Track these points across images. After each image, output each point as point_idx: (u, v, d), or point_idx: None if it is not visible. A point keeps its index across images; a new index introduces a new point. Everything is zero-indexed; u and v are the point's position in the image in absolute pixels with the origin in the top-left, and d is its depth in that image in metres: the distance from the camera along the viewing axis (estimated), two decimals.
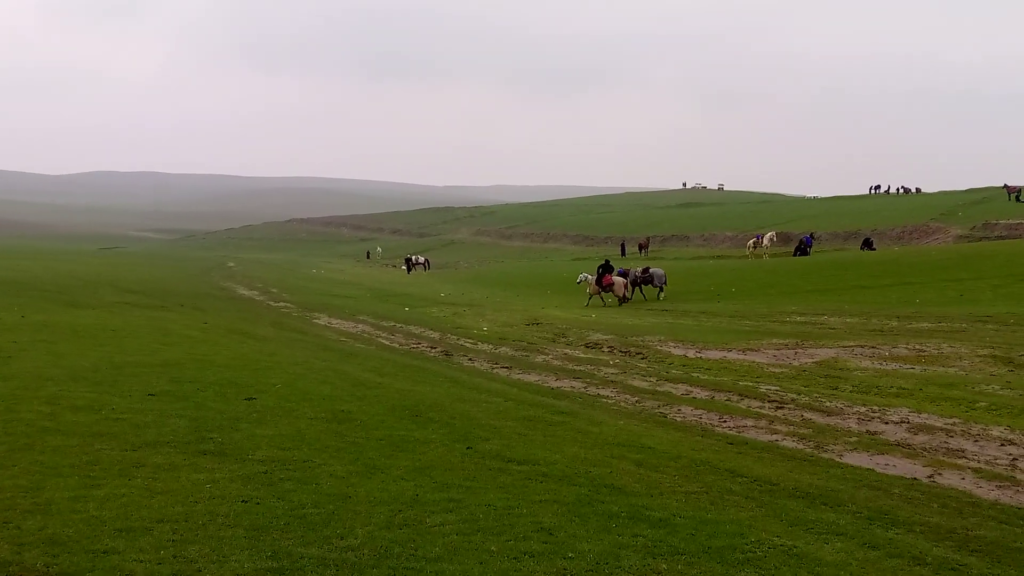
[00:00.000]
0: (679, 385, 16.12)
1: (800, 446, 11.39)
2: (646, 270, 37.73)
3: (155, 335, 18.27)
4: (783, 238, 59.51)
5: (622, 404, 14.44)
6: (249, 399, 11.37)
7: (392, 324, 28.01)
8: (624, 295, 35.12)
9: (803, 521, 7.58)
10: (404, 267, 67.32)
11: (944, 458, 10.78)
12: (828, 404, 14.08)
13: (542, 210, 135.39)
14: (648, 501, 7.80)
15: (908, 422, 12.71)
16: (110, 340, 16.81)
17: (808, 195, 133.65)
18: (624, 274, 36.53)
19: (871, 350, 19.39)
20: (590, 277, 36.04)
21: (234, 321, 25.33)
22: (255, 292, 43.06)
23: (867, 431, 12.24)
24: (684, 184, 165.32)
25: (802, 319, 26.93)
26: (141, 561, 5.75)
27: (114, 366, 13.41)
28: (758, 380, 16.36)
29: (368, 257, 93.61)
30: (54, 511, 6.64)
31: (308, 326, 27.12)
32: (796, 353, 19.47)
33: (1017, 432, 11.91)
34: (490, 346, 22.50)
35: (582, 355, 20.53)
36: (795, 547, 6.72)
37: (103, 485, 7.34)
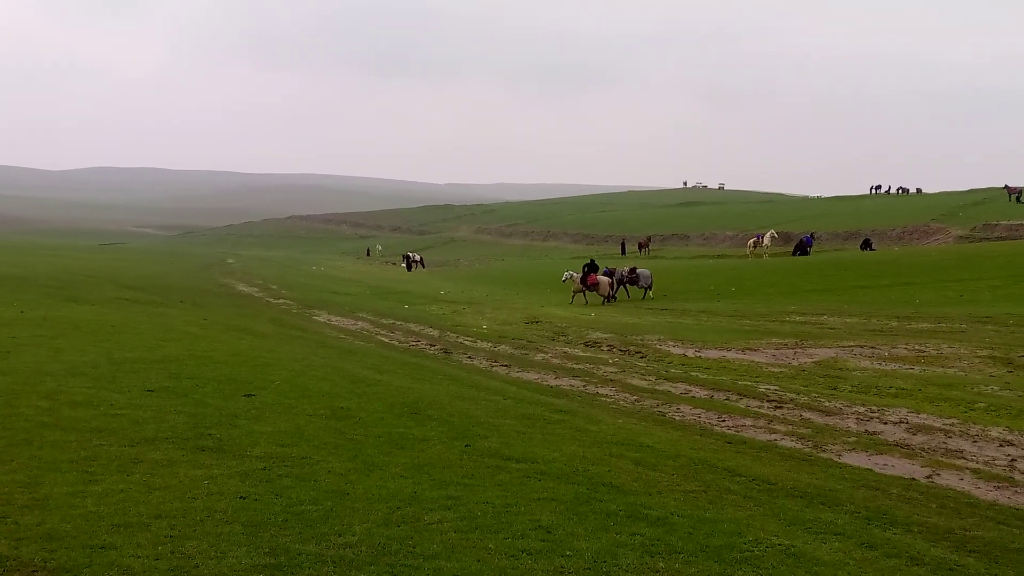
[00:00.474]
0: (678, 384, 16.13)
1: (799, 446, 11.40)
2: (633, 270, 38.04)
3: (154, 331, 18.26)
4: (783, 238, 59.50)
5: (621, 403, 14.44)
6: (248, 396, 11.36)
7: (391, 322, 28.01)
8: (610, 294, 35.55)
9: (801, 520, 7.58)
10: (403, 264, 67.32)
11: (942, 458, 10.79)
12: (827, 404, 14.08)
13: (543, 208, 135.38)
14: (646, 500, 7.80)
15: (907, 422, 12.72)
16: (109, 336, 16.80)
17: (811, 195, 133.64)
18: (610, 273, 36.93)
19: (870, 350, 19.40)
20: (575, 275, 36.51)
21: (233, 318, 25.33)
22: (255, 289, 43.04)
23: (866, 431, 12.25)
24: (685, 183, 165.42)
25: (801, 319, 26.93)
26: (139, 557, 5.74)
27: (113, 362, 13.40)
28: (757, 379, 16.36)
29: (368, 255, 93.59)
30: (52, 506, 6.63)
31: (308, 323, 27.12)
32: (795, 353, 19.48)
33: (1015, 433, 11.92)
34: (489, 344, 22.50)
35: (581, 353, 20.54)
36: (793, 546, 6.72)
37: (101, 481, 7.34)
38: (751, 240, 58.36)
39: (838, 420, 12.95)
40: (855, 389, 15.27)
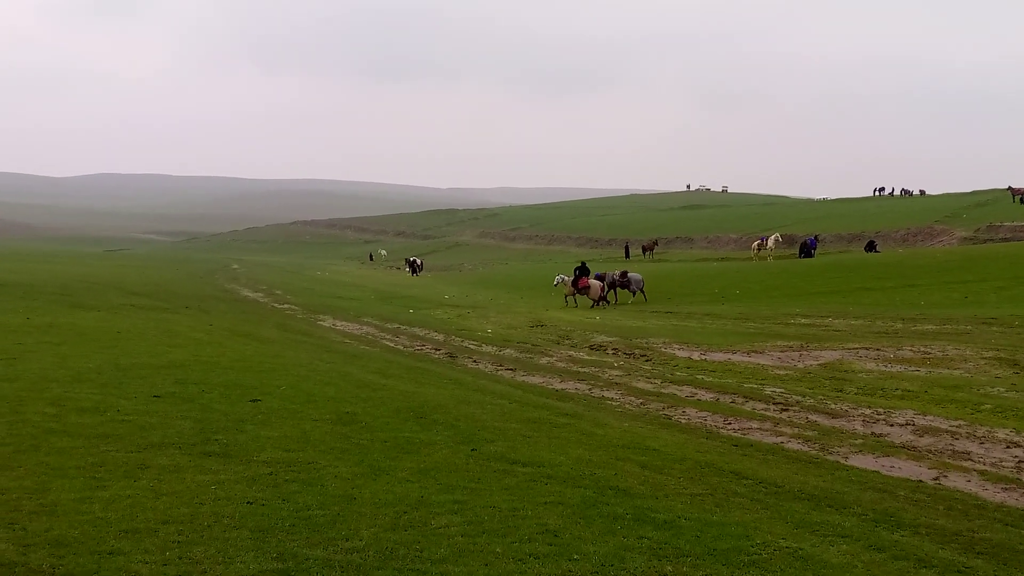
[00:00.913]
0: (684, 387, 16.11)
1: (805, 448, 11.38)
2: (624, 274, 38.48)
3: (160, 337, 18.30)
4: (787, 240, 59.45)
5: (627, 406, 14.43)
6: (254, 401, 11.38)
7: (396, 326, 28.02)
8: (601, 296, 35.87)
9: (808, 523, 7.56)
10: (407, 269, 67.37)
11: (950, 460, 10.76)
12: (833, 406, 14.06)
13: (546, 212, 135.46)
14: (653, 503, 7.79)
15: (913, 424, 12.69)
16: (115, 342, 16.84)
17: (815, 197, 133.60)
18: (601, 277, 37.38)
19: (876, 352, 19.36)
20: (566, 278, 36.94)
21: (239, 323, 25.36)
22: (259, 294, 43.09)
23: (872, 433, 12.21)
24: (688, 186, 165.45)
25: (807, 321, 26.89)
26: (147, 562, 5.76)
27: (119, 368, 13.43)
28: (763, 382, 16.34)
29: (371, 259, 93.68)
30: (60, 512, 6.65)
31: (313, 328, 27.14)
32: (801, 355, 19.44)
33: (1023, 434, 11.88)
34: (494, 348, 22.50)
35: (586, 357, 20.52)
36: (801, 549, 6.71)
37: (109, 486, 7.35)
38: (755, 243, 58.35)
39: (844, 422, 12.92)
40: (861, 391, 15.24)
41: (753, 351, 20.31)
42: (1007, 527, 7.99)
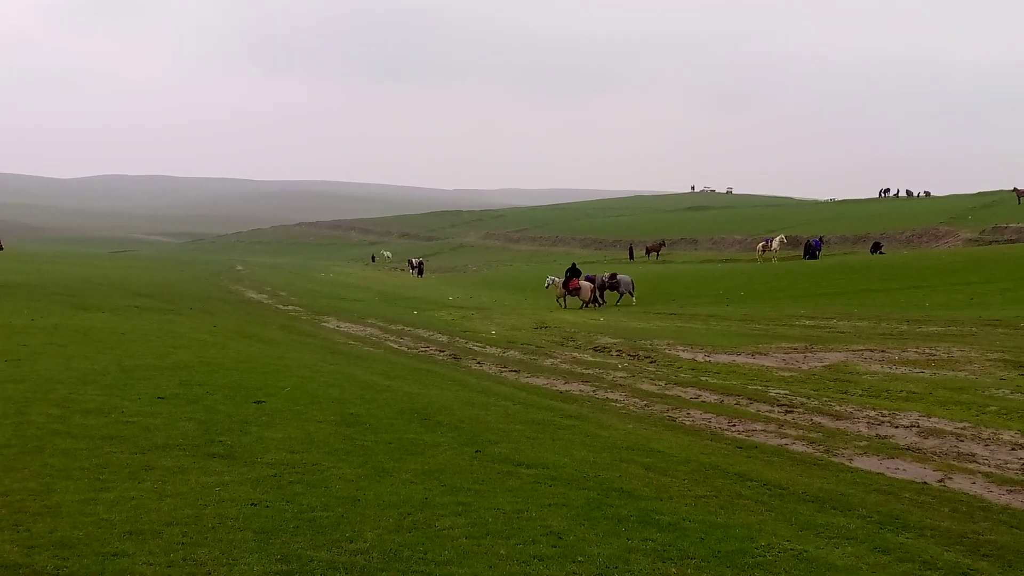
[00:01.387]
0: (688, 389, 16.09)
1: (810, 450, 11.36)
2: (613, 276, 38.83)
3: (164, 338, 18.33)
4: (792, 242, 59.38)
5: (631, 408, 14.42)
6: (258, 402, 11.39)
7: (400, 327, 28.03)
8: (593, 298, 36.15)
9: (813, 525, 7.55)
10: (411, 271, 67.46)
11: (954, 462, 10.73)
12: (838, 408, 14.03)
13: (550, 214, 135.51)
14: (657, 505, 7.78)
15: (918, 426, 12.66)
16: (120, 343, 16.87)
17: (821, 198, 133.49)
18: (592, 279, 37.60)
19: (881, 354, 19.31)
20: (557, 280, 37.31)
21: (243, 324, 25.39)
22: (264, 295, 43.12)
23: (877, 435, 12.19)
24: (693, 187, 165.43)
25: (811, 323, 26.85)
26: (151, 564, 5.76)
27: (124, 369, 13.45)
28: (767, 384, 16.31)
29: (373, 260, 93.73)
30: (64, 514, 6.66)
31: (317, 329, 27.16)
32: (805, 357, 19.41)
33: None
34: (498, 350, 22.50)
35: (590, 359, 20.52)
36: (805, 551, 6.69)
37: (113, 488, 7.37)
38: (760, 244, 58.27)
39: (849, 424, 12.90)
40: (866, 393, 15.21)
41: (757, 353, 20.28)
42: (1012, 529, 7.97)
